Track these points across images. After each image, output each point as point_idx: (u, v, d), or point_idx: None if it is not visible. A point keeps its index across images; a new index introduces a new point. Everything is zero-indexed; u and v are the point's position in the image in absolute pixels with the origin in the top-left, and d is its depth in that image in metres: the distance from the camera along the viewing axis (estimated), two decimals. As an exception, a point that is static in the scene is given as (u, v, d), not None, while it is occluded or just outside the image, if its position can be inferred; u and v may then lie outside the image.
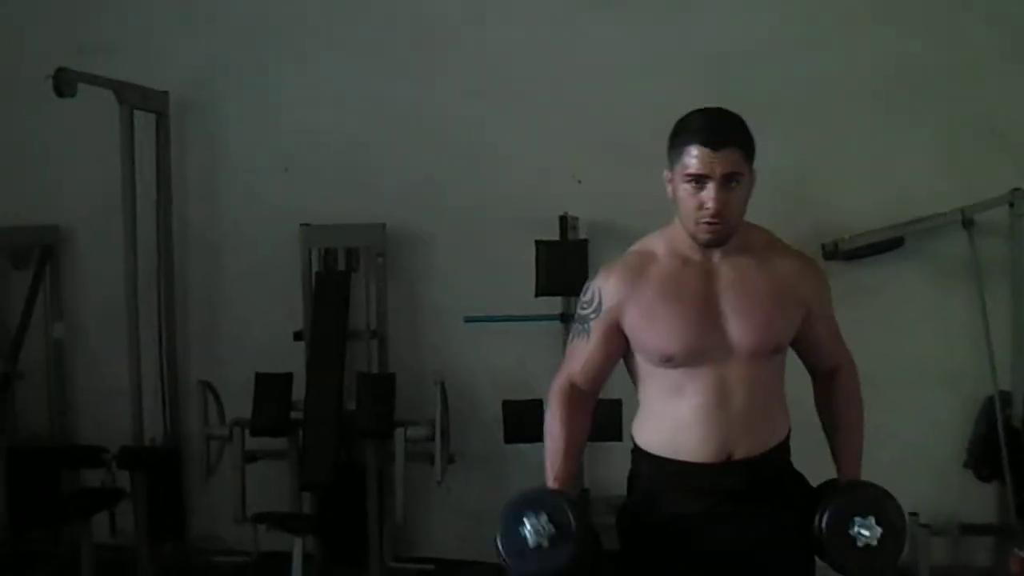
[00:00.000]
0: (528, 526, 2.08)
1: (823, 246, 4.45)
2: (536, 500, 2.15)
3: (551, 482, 2.27)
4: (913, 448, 4.40)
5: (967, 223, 4.33)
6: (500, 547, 2.13)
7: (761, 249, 2.30)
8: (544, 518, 2.09)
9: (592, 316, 2.30)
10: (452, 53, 4.91)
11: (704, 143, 2.14)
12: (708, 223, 2.17)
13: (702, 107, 2.25)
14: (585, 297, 2.32)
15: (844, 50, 4.59)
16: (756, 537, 2.25)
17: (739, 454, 2.24)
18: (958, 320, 4.50)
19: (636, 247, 2.35)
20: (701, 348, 2.21)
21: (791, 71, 4.57)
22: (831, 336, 2.40)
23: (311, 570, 4.56)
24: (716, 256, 2.26)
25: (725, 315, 2.22)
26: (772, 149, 4.39)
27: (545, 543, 2.08)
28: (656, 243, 2.31)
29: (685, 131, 2.20)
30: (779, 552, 2.28)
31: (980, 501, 4.50)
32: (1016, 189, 4.29)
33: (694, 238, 2.22)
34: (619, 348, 2.31)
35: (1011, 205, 4.30)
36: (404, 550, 4.93)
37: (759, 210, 2.48)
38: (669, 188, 2.24)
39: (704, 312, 2.22)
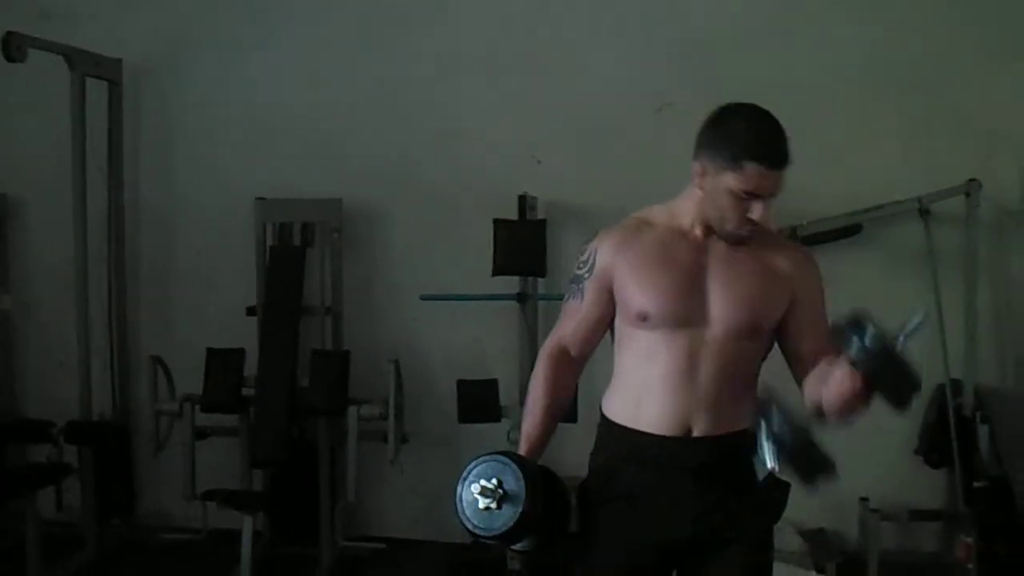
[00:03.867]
0: (478, 488, 2.09)
1: (780, 231, 4.45)
2: (488, 463, 2.13)
3: (523, 442, 2.27)
4: (865, 434, 4.40)
5: (923, 212, 4.35)
6: (458, 509, 2.12)
7: (757, 234, 2.27)
8: (494, 481, 2.09)
9: (586, 275, 2.31)
10: (414, 31, 4.86)
11: (764, 162, 2.11)
12: (748, 229, 2.19)
13: (747, 108, 2.19)
14: (582, 257, 2.33)
15: (809, 37, 4.59)
16: (710, 520, 2.25)
17: (698, 430, 2.23)
18: (912, 308, 4.52)
19: (638, 213, 2.35)
20: (678, 312, 2.21)
21: (756, 57, 4.56)
22: (819, 327, 2.29)
23: (261, 548, 4.53)
24: (713, 235, 2.26)
25: (709, 287, 2.23)
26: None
27: (493, 505, 2.08)
28: (658, 213, 2.31)
29: (741, 143, 2.13)
30: (732, 536, 2.27)
31: (929, 487, 4.55)
32: (972, 180, 4.31)
33: (721, 234, 2.22)
34: (610, 311, 2.31)
35: (967, 195, 4.32)
36: (356, 529, 4.91)
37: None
38: (698, 180, 2.19)
39: (689, 279, 2.22)
